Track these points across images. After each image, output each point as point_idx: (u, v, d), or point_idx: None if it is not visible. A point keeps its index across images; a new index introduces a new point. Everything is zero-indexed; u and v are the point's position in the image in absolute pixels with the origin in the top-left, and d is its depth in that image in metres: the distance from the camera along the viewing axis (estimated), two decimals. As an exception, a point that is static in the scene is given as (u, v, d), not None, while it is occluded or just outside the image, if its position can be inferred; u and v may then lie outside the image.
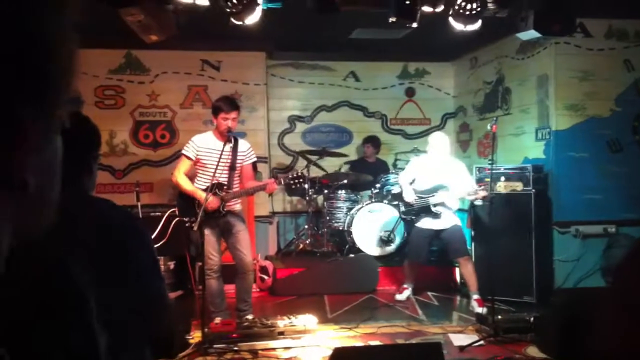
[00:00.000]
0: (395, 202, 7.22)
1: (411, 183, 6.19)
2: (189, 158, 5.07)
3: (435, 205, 5.93)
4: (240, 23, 4.29)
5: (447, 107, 8.96)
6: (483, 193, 5.59)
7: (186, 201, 5.07)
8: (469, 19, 4.46)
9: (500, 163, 6.24)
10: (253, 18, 4.30)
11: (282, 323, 4.89)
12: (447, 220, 5.95)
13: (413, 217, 6.16)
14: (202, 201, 4.84)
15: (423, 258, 6.20)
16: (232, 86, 7.91)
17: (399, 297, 6.28)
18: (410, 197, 6.08)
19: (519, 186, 5.63)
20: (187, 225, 5.04)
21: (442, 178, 5.95)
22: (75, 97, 2.04)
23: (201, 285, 5.24)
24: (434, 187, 5.96)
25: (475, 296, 5.75)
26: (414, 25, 4.29)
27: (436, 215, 5.94)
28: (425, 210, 6.00)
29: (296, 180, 5.08)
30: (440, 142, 5.98)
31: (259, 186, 5.23)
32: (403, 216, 6.39)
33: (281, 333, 4.83)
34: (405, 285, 6.35)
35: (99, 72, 7.65)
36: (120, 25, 5.60)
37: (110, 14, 5.15)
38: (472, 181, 5.96)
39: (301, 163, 8.29)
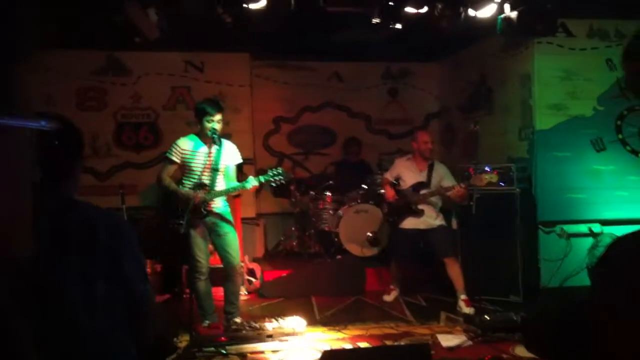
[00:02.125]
0: (381, 203, 7.24)
1: (396, 183, 6.21)
2: (172, 162, 5.03)
3: (416, 204, 5.93)
4: (228, 21, 4.20)
5: (430, 107, 9.00)
6: (459, 188, 5.62)
7: (170, 203, 5.02)
8: (450, 21, 4.47)
9: (483, 163, 6.27)
10: (240, 21, 4.25)
11: (270, 326, 4.87)
12: (431, 219, 5.95)
13: (396, 218, 6.13)
14: (186, 197, 4.85)
15: (408, 259, 6.22)
16: (216, 87, 7.88)
17: (386, 298, 6.28)
18: (389, 194, 6.15)
19: (494, 178, 5.56)
20: (172, 227, 4.99)
21: (422, 176, 6.00)
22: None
23: (189, 288, 5.20)
24: (415, 184, 5.98)
25: (463, 296, 5.78)
26: (398, 26, 4.30)
27: (418, 214, 5.93)
28: (407, 210, 5.99)
29: (276, 177, 5.04)
30: (420, 141, 6.01)
31: (241, 185, 5.13)
32: (389, 218, 6.35)
33: (270, 336, 4.80)
34: (392, 286, 6.36)
35: (80, 74, 7.57)
36: (103, 27, 5.56)
37: (92, 15, 5.11)
38: (452, 180, 5.94)
39: (287, 164, 8.28)
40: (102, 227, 1.85)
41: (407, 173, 6.09)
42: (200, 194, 4.92)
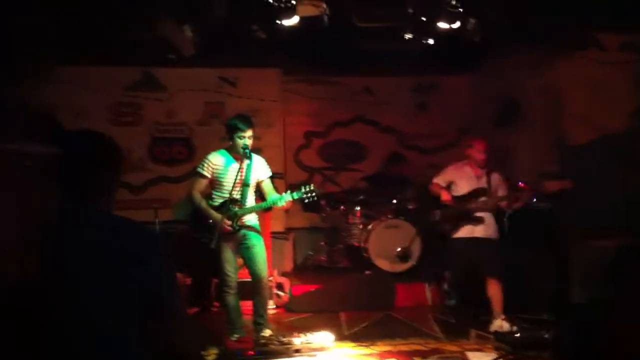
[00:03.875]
0: (412, 218, 7.21)
1: (447, 188, 5.87)
2: (203, 176, 5.10)
3: (475, 211, 5.63)
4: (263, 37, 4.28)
5: (461, 121, 8.91)
6: (520, 203, 5.46)
7: (201, 218, 5.09)
8: (483, 35, 4.46)
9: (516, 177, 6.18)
10: (272, 36, 4.32)
11: (298, 340, 4.87)
12: (490, 229, 5.67)
13: (451, 226, 5.76)
14: (216, 221, 4.91)
15: (464, 272, 5.79)
16: (249, 102, 7.97)
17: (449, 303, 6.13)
18: (446, 196, 5.73)
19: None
20: (203, 241, 5.06)
21: (480, 182, 5.70)
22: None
23: (218, 301, 5.25)
24: (473, 190, 5.69)
25: (503, 316, 5.56)
26: (430, 41, 4.31)
27: (478, 221, 5.64)
28: (465, 217, 5.67)
29: (309, 195, 5.06)
30: (475, 148, 5.75)
31: (273, 202, 5.15)
32: (443, 226, 5.87)
33: (297, 351, 4.80)
34: (452, 301, 6.13)
35: (115, 89, 7.74)
36: (137, 43, 5.70)
37: (127, 32, 5.24)
38: (505, 187, 5.71)
39: (317, 178, 8.31)
40: (133, 240, 1.88)
41: (463, 179, 5.78)
42: (228, 223, 4.98)
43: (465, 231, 5.70)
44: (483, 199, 5.65)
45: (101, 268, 1.79)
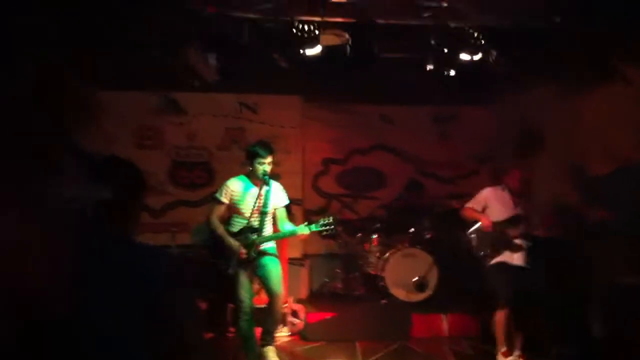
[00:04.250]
0: (430, 247, 7.16)
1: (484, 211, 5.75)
2: (221, 202, 5.12)
3: (515, 237, 5.50)
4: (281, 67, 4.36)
5: (481, 151, 8.90)
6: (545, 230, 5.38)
7: (218, 244, 5.11)
8: (504, 67, 4.48)
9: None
10: (294, 66, 4.38)
11: (313, 370, 4.83)
12: (524, 258, 5.54)
13: (489, 252, 5.57)
14: (233, 249, 4.95)
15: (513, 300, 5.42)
16: (269, 129, 8.04)
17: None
18: (487, 221, 5.55)
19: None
20: (221, 268, 5.08)
21: (517, 209, 5.59)
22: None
23: (234, 327, 5.24)
24: (512, 217, 5.57)
25: (517, 352, 5.45)
26: (452, 73, 4.34)
27: (517, 249, 5.50)
28: (505, 243, 5.53)
29: (327, 227, 5.05)
30: (509, 175, 5.72)
31: (290, 232, 5.15)
32: (480, 252, 5.66)
33: (312, 380, 4.76)
34: (505, 349, 5.50)
35: (138, 114, 7.86)
36: (160, 68, 5.80)
37: (150, 58, 5.33)
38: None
39: (335, 205, 8.31)
40: (155, 270, 1.90)
41: (499, 203, 5.67)
42: (244, 251, 5.00)
43: (506, 257, 5.52)
44: (522, 226, 5.51)
45: (124, 293, 1.80)
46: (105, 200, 1.92)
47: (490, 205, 5.68)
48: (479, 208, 5.71)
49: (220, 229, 5.08)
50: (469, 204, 5.80)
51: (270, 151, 5.09)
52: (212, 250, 5.26)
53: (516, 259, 5.50)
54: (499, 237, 5.53)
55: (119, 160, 2.06)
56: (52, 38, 4.60)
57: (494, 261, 5.53)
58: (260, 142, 5.29)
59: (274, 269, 5.14)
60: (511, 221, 5.57)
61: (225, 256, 5.03)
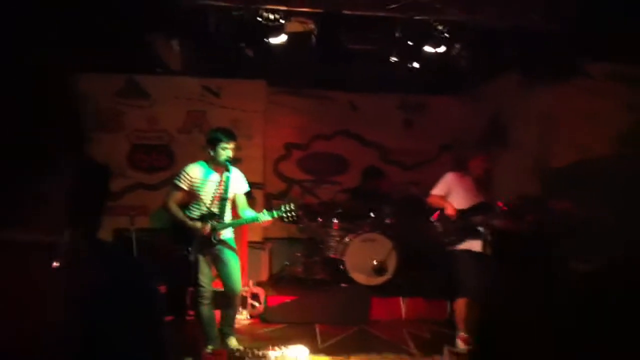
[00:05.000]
0: (390, 232, 7.29)
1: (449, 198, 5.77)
2: (180, 189, 5.05)
3: (479, 225, 5.53)
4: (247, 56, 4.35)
5: (444, 140, 9.05)
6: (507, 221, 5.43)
7: (178, 229, 5.09)
8: (469, 61, 4.58)
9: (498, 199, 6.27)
10: (258, 54, 4.39)
11: (273, 354, 4.91)
12: (484, 245, 5.59)
13: (455, 239, 5.61)
14: (195, 230, 4.93)
15: (480, 289, 5.45)
16: (231, 113, 8.00)
17: (460, 348, 5.57)
18: (451, 209, 5.60)
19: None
20: (180, 253, 5.07)
21: (481, 197, 5.65)
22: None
23: (193, 311, 5.27)
24: (479, 205, 5.61)
25: (462, 333, 5.59)
26: (416, 65, 4.41)
27: (480, 236, 5.55)
28: (469, 231, 5.57)
29: (288, 214, 5.07)
30: (477, 162, 5.75)
31: (252, 219, 5.16)
32: (446, 239, 5.69)
33: (273, 364, 4.84)
34: (462, 333, 5.56)
35: (99, 96, 7.71)
36: (123, 50, 5.70)
37: (113, 39, 5.23)
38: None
39: (296, 190, 8.36)
40: (121, 270, 1.90)
41: (462, 190, 5.71)
42: (209, 226, 4.98)
43: (469, 245, 5.60)
44: (487, 214, 5.55)
45: (92, 299, 1.82)
46: (76, 205, 1.92)
47: (454, 191, 5.73)
48: (443, 193, 5.76)
49: (180, 214, 5.04)
50: (434, 191, 5.84)
51: (233, 137, 5.07)
52: (172, 235, 5.24)
53: (475, 245, 5.59)
54: (463, 225, 5.60)
55: (89, 163, 2.04)
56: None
57: (458, 248, 5.61)
58: (222, 128, 5.25)
59: (236, 268, 5.18)
60: (475, 209, 5.63)
61: (186, 241, 5.02)
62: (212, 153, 5.03)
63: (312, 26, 4.52)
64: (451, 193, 5.73)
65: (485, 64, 4.69)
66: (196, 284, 5.10)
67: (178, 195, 5.07)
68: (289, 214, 5.03)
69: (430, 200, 5.87)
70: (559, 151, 6.44)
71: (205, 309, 5.15)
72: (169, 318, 6.42)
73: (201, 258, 5.04)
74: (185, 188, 5.03)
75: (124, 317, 1.80)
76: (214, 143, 5.03)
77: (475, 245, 5.60)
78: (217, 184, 5.05)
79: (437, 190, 5.80)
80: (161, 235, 6.87)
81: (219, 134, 5.05)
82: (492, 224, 5.56)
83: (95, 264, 1.86)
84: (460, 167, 5.97)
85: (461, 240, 5.60)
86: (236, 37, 4.18)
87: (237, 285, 5.19)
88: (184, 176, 5.04)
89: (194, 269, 5.05)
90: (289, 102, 8.62)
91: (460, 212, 5.61)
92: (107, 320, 1.79)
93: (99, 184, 2.03)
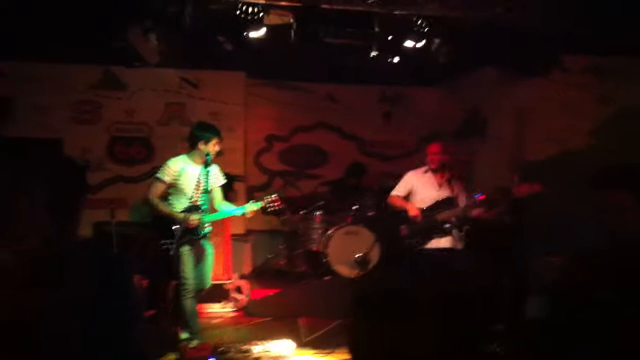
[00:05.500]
0: (371, 225, 7.29)
1: (407, 198, 5.77)
2: (163, 182, 5.03)
3: (444, 222, 5.49)
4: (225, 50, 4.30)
5: (424, 132, 9.05)
6: (479, 211, 5.33)
7: (160, 223, 5.06)
8: (448, 55, 4.57)
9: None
10: (237, 47, 4.34)
11: (257, 349, 4.90)
12: (456, 239, 5.55)
13: (419, 240, 5.57)
14: (180, 222, 4.90)
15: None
16: (211, 105, 7.95)
17: None
18: (413, 211, 5.57)
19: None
20: (164, 247, 5.03)
21: (445, 192, 5.59)
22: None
23: (176, 305, 5.25)
24: (440, 201, 5.59)
25: None
26: (396, 59, 4.39)
27: (447, 233, 5.49)
28: (434, 229, 5.53)
29: (271, 205, 5.12)
30: (436, 152, 5.62)
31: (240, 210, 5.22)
32: (411, 240, 5.65)
33: (257, 359, 4.82)
34: None
35: (76, 87, 7.62)
36: (100, 42, 5.61)
37: (90, 31, 5.15)
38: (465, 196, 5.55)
39: (278, 182, 8.33)
40: (98, 268, 1.89)
41: (424, 188, 5.66)
42: (196, 219, 4.98)
43: (434, 243, 5.56)
44: (452, 209, 5.51)
45: (72, 293, 1.80)
46: (50, 199, 1.89)
47: (415, 190, 5.70)
48: (404, 194, 5.74)
49: (165, 207, 5.02)
50: (394, 191, 5.82)
51: (217, 133, 5.11)
52: (153, 228, 5.20)
53: (443, 242, 5.55)
54: (427, 225, 5.54)
55: (67, 162, 2.02)
56: None
57: (425, 247, 5.56)
58: (206, 123, 5.29)
59: (212, 261, 5.27)
60: (438, 205, 5.58)
61: (168, 235, 4.99)
62: (201, 147, 5.03)
63: (290, 19, 4.47)
64: (414, 192, 5.70)
65: (464, 57, 4.68)
66: (179, 277, 5.07)
67: (160, 189, 5.06)
68: (272, 204, 5.11)
69: (390, 201, 5.85)
70: (536, 144, 6.48)
71: (188, 302, 5.13)
72: (150, 312, 6.41)
73: (185, 251, 5.04)
74: (168, 181, 5.02)
75: (102, 313, 1.79)
76: (198, 137, 5.04)
77: (443, 242, 5.57)
78: (198, 177, 5.07)
79: (397, 191, 5.78)
80: (141, 228, 6.83)
81: (204, 129, 5.11)
82: (468, 215, 5.47)
83: (73, 261, 1.84)
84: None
85: (428, 239, 5.56)
86: (214, 31, 4.12)
87: (209, 279, 5.27)
88: (167, 169, 5.05)
89: (176, 262, 5.03)
90: (268, 94, 8.56)
91: (424, 211, 5.58)
92: (85, 316, 1.78)
93: (75, 181, 2.00)
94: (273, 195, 5.14)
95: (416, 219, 5.57)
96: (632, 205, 5.23)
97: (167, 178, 5.03)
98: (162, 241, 5.01)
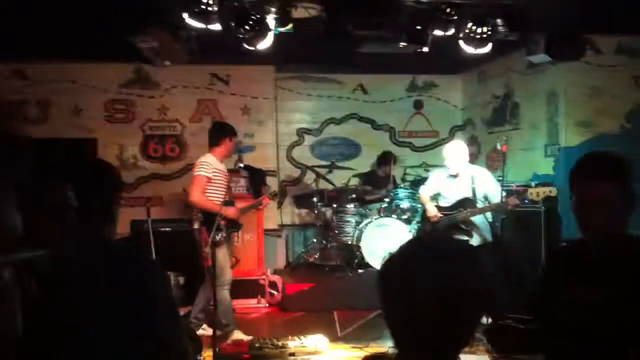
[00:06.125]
0: (405, 217, 7.23)
1: (433, 199, 5.87)
2: (208, 178, 5.17)
3: (463, 223, 5.53)
4: (252, 48, 4.32)
5: (455, 120, 8.96)
6: (515, 201, 5.24)
7: (209, 218, 5.11)
8: (480, 42, 4.47)
9: (508, 178, 6.20)
10: (265, 43, 4.33)
11: (292, 344, 4.90)
12: (478, 237, 5.55)
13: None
14: (230, 213, 5.16)
15: None
16: (241, 100, 7.97)
17: None
18: (432, 213, 5.70)
19: (552, 191, 5.15)
20: (216, 239, 5.11)
21: (465, 191, 5.59)
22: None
23: (214, 298, 5.32)
24: (458, 201, 5.62)
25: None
26: (425, 49, 4.32)
27: (466, 233, 5.53)
28: (453, 229, 5.56)
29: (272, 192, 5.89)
30: (455, 152, 5.64)
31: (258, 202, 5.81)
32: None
33: (292, 354, 4.83)
34: None
35: (109, 87, 7.72)
36: (130, 42, 5.65)
37: (120, 30, 5.19)
38: (499, 189, 5.49)
39: (310, 176, 8.31)
40: (133, 274, 1.88)
41: (448, 188, 5.71)
42: (233, 210, 5.28)
43: None
44: (470, 209, 5.50)
45: (101, 298, 1.79)
46: (87, 204, 1.89)
47: (441, 189, 5.79)
48: (431, 193, 5.87)
49: (212, 203, 5.13)
50: (422, 190, 5.99)
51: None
52: (204, 225, 5.24)
53: (473, 241, 5.49)
54: (447, 225, 5.60)
55: (96, 163, 2.03)
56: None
57: None
58: (224, 122, 5.69)
59: None
60: (459, 205, 5.60)
61: (218, 228, 5.07)
62: (220, 145, 5.26)
63: (318, 11, 4.44)
64: (440, 193, 5.81)
65: (493, 44, 4.57)
66: (221, 269, 5.19)
67: (205, 185, 5.17)
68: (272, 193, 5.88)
69: (419, 197, 6.10)
70: (569, 130, 6.32)
71: (226, 294, 5.26)
72: (187, 309, 6.47)
73: (226, 244, 5.22)
74: (211, 176, 5.17)
75: (132, 316, 1.78)
76: (224, 135, 5.28)
77: (471, 241, 5.51)
78: (225, 174, 5.35)
79: (425, 190, 5.94)
80: (177, 224, 6.90)
81: (230, 128, 5.36)
82: (504, 205, 5.41)
83: (106, 266, 1.84)
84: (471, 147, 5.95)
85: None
86: (242, 26, 4.11)
87: None
88: (208, 166, 5.18)
89: (219, 254, 5.11)
90: (298, 86, 8.55)
91: (444, 211, 5.67)
92: (115, 319, 1.78)
93: (107, 184, 2.00)
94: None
95: (433, 219, 5.71)
96: None
97: (211, 174, 5.19)
98: (213, 234, 5.11)
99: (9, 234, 0.58)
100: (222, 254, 5.16)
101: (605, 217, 1.90)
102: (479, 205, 5.55)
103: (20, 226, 0.60)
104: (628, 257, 1.95)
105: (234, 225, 5.35)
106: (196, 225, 5.25)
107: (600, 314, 1.85)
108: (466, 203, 5.59)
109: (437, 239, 1.72)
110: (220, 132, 5.31)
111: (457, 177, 5.67)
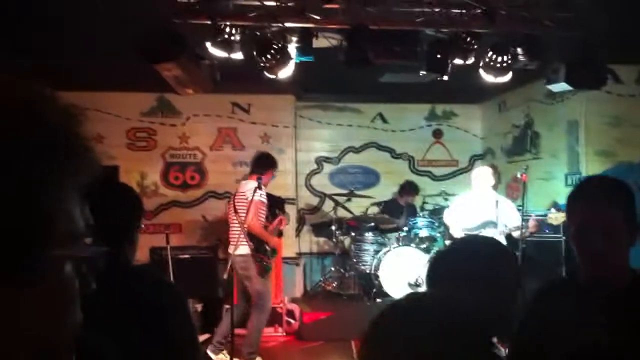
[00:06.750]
0: (424, 246, 7.18)
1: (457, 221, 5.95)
2: (263, 203, 5.40)
3: None
4: (273, 77, 4.38)
5: (474, 149, 8.94)
6: (533, 224, 5.35)
7: (260, 246, 5.37)
8: (500, 71, 4.49)
9: (529, 208, 6.15)
10: (286, 72, 4.39)
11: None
12: None
13: None
14: (276, 242, 5.58)
15: None
16: (261, 128, 8.04)
17: None
18: (457, 234, 5.77)
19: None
20: (265, 265, 5.38)
21: (489, 214, 5.68)
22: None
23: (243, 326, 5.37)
24: (482, 223, 5.68)
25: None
26: (445, 77, 4.35)
27: None
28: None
29: None
30: (483, 175, 5.80)
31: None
32: None
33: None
34: None
35: (131, 115, 7.84)
36: (153, 70, 5.75)
37: (143, 60, 5.30)
38: (520, 220, 5.54)
39: (328, 204, 8.31)
40: (153, 299, 1.88)
41: (471, 210, 5.79)
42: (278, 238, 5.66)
43: None
44: (492, 231, 5.55)
45: (117, 320, 1.79)
46: (107, 227, 1.90)
47: (463, 213, 5.85)
48: (455, 216, 5.94)
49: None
50: (447, 216, 6.11)
51: None
52: (255, 249, 5.37)
53: None
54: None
55: (117, 187, 2.05)
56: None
57: None
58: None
59: None
60: (481, 227, 5.67)
61: (269, 255, 5.43)
62: (263, 175, 5.33)
63: (338, 42, 4.50)
64: (462, 214, 5.85)
65: (514, 72, 4.60)
66: (268, 294, 5.43)
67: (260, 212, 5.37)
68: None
69: (445, 221, 6.18)
70: (589, 159, 6.28)
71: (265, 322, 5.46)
72: (205, 336, 6.44)
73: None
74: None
75: (150, 339, 1.77)
76: (271, 166, 5.52)
77: None
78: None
79: (448, 213, 6.07)
80: (196, 252, 6.93)
81: (277, 162, 5.66)
82: (525, 232, 5.46)
83: (124, 288, 1.84)
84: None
85: None
86: (264, 55, 4.18)
87: None
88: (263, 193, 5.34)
89: (266, 282, 5.43)
90: (318, 115, 8.62)
91: (466, 233, 5.67)
92: (132, 342, 1.77)
93: (127, 206, 2.02)
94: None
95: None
96: None
97: (265, 200, 5.39)
98: (264, 259, 5.29)
99: (73, 231, 0.60)
100: (269, 282, 5.41)
101: (607, 245, 1.72)
102: None
103: (82, 225, 0.61)
104: (634, 293, 1.76)
105: (273, 252, 5.56)
106: (243, 252, 5.27)
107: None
108: (488, 225, 5.64)
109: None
110: (267, 163, 5.50)
111: (483, 200, 5.72)
